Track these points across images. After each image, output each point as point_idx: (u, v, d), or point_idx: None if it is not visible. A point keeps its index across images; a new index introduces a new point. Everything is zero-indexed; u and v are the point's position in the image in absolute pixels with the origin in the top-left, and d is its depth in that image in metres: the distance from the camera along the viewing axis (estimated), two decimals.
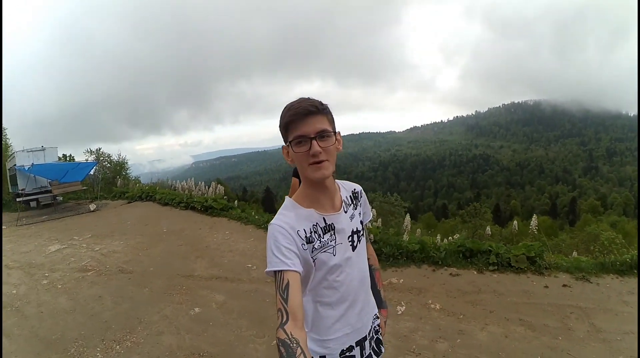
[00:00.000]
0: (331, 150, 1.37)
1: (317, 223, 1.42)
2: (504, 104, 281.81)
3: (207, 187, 13.57)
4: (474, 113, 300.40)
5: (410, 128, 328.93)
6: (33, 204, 15.60)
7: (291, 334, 1.14)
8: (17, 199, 14.42)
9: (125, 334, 4.46)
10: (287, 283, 1.23)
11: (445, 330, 4.25)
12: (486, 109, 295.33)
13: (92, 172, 18.58)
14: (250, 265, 6.70)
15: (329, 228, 1.45)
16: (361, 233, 1.60)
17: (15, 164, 15.44)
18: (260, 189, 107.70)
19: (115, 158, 29.69)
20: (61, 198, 16.58)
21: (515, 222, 7.73)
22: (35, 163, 14.35)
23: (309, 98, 1.38)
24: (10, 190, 16.33)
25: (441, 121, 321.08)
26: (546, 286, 5.22)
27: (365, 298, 1.61)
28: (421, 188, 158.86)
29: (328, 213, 1.47)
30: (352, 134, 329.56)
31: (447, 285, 5.52)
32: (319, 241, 1.40)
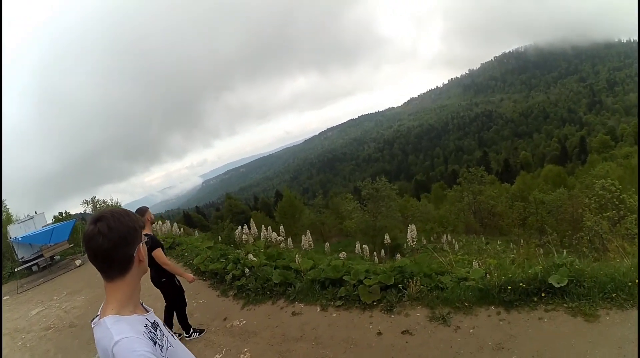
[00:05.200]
0: None
1: (146, 324, 1.45)
2: (495, 57, 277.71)
3: (165, 224, 15.44)
4: (467, 72, 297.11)
5: (408, 100, 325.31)
6: (35, 268, 17.35)
7: None
8: (16, 270, 16.14)
9: None
10: None
11: None
12: (479, 66, 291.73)
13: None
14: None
15: (154, 325, 1.49)
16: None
17: (10, 237, 17.31)
18: (271, 193, 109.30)
19: (109, 202, 31.59)
20: (59, 257, 18.39)
21: None
22: (23, 234, 16.25)
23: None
24: (17, 258, 18.15)
25: (436, 86, 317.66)
26: (379, 333, 4.51)
27: None
28: (430, 157, 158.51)
29: (144, 314, 1.52)
30: (352, 120, 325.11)
31: (280, 327, 5.20)
32: (158, 339, 1.44)
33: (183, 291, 5.55)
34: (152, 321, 1.50)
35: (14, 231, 17.38)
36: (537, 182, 47.21)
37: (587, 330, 3.65)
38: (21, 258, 16.78)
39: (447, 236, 27.12)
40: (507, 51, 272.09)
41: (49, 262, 17.51)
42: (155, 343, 1.40)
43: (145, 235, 4.88)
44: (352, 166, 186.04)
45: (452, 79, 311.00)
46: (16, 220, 19.37)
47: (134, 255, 1.45)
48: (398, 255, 8.24)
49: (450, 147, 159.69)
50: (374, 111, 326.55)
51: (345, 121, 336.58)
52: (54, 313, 9.65)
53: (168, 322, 5.63)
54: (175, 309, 5.58)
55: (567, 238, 20.72)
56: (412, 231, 6.76)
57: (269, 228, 9.79)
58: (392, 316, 4.70)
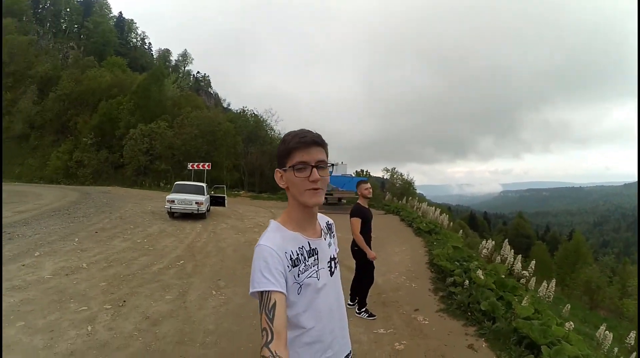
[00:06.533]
0: (326, 180, 1.46)
1: (302, 246, 1.47)
2: None
3: (435, 213, 16.28)
4: None
5: None
6: (324, 201, 22.63)
7: (275, 352, 1.19)
8: None
9: (230, 282, 7.38)
10: (274, 303, 1.27)
11: None
12: None
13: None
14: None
15: (313, 252, 1.50)
16: (337, 260, 1.66)
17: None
18: (566, 231, 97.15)
19: (406, 177, 34.87)
20: (345, 201, 22.46)
21: None
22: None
23: (309, 130, 1.48)
24: None
25: None
26: None
27: (341, 324, 1.62)
28: None
29: (312, 238, 1.53)
30: None
31: (447, 348, 4.82)
32: (304, 264, 1.44)
33: (372, 267, 5.63)
34: (313, 248, 1.51)
35: None
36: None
37: None
38: None
39: None
40: None
41: (335, 202, 22.21)
42: (295, 266, 1.41)
43: (357, 206, 5.33)
44: None
45: None
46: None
47: (275, 175, 1.51)
48: None
49: None
50: None
51: None
52: None
53: (352, 293, 5.87)
54: (360, 282, 5.74)
55: None
56: None
57: (519, 256, 8.97)
58: None
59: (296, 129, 1.50)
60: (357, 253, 5.47)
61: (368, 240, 5.46)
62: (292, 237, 1.45)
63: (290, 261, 1.39)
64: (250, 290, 1.31)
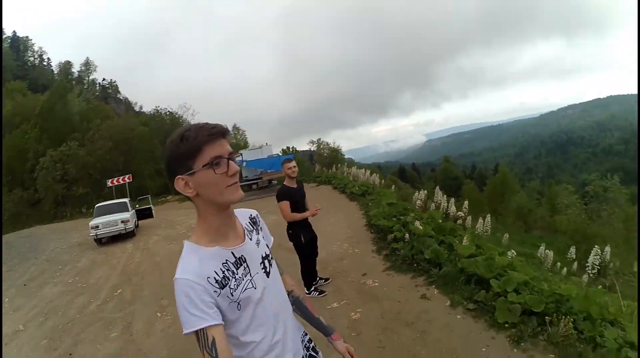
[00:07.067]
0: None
1: (227, 260, 1.33)
2: None
3: (366, 174, 16.67)
4: None
5: None
6: (254, 186, 22.58)
7: None
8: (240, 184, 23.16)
9: (172, 298, 6.69)
10: (213, 340, 1.18)
11: None
12: None
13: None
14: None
15: (240, 261, 1.36)
16: (270, 256, 1.53)
17: (240, 159, 22.72)
18: (491, 165, 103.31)
19: (332, 145, 35.28)
20: (276, 182, 22.50)
21: None
22: (248, 159, 21.76)
23: (207, 122, 1.30)
24: (242, 177, 23.61)
25: None
26: None
27: (291, 319, 1.56)
28: None
29: (235, 246, 1.38)
30: (598, 99, 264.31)
31: (401, 304, 4.86)
32: (234, 280, 1.31)
33: (308, 248, 5.42)
34: (238, 256, 1.35)
35: (245, 155, 22.75)
36: None
37: None
38: (245, 177, 21.94)
39: None
40: None
41: (266, 184, 22.18)
42: (224, 286, 1.27)
43: (282, 188, 4.98)
44: (587, 154, 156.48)
45: None
46: (249, 147, 26.53)
47: (174, 184, 1.27)
48: (586, 276, 6.08)
49: None
50: (625, 93, 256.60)
51: (590, 99, 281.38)
52: None
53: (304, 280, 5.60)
54: (301, 264, 5.52)
55: None
56: (596, 254, 5.25)
57: (452, 200, 9.28)
58: (514, 351, 3.59)
59: (190, 124, 1.30)
60: (293, 236, 5.27)
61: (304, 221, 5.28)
62: (211, 256, 1.29)
63: (216, 285, 1.25)
64: (184, 332, 1.19)
